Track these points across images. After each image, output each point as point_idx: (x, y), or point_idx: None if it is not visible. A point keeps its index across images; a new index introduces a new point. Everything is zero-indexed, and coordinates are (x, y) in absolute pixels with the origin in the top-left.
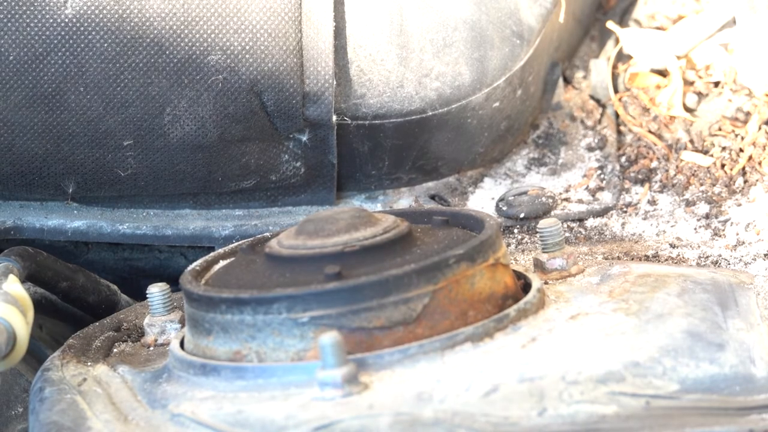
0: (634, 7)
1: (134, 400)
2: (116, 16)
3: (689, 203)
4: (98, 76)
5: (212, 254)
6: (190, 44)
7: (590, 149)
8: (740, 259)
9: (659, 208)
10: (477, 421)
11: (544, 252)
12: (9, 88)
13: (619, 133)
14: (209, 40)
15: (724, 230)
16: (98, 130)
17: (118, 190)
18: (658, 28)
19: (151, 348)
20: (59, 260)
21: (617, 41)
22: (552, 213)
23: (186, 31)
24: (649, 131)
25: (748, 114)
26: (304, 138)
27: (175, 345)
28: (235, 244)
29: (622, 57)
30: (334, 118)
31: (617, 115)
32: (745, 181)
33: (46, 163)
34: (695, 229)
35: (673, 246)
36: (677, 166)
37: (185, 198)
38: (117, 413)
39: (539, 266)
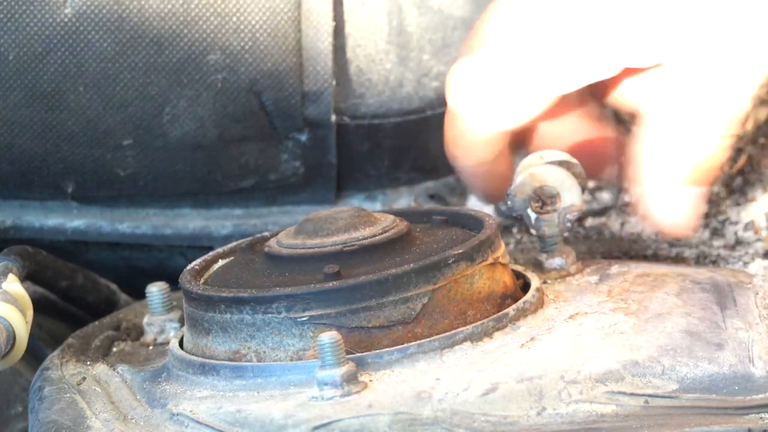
0: None
1: (133, 399)
2: (116, 15)
3: None
4: (97, 75)
5: (211, 253)
6: (189, 44)
7: None
8: (739, 259)
9: None
10: (476, 420)
11: (542, 251)
12: (8, 88)
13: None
14: (208, 39)
15: (722, 229)
16: (97, 129)
17: (118, 190)
18: None
19: (151, 347)
20: (59, 259)
21: None
22: None
23: (185, 31)
24: None
25: (746, 113)
26: (304, 137)
27: (174, 344)
28: (234, 243)
29: None
30: (334, 117)
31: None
32: (744, 181)
33: (45, 162)
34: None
35: (672, 245)
36: None
37: (184, 197)
38: (116, 412)
39: (538, 266)
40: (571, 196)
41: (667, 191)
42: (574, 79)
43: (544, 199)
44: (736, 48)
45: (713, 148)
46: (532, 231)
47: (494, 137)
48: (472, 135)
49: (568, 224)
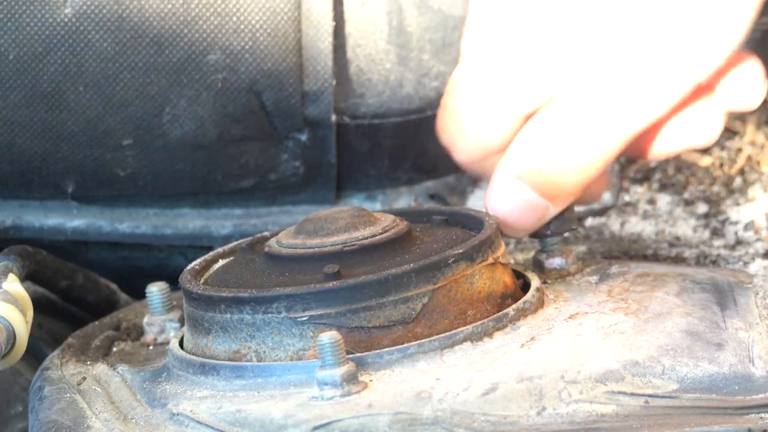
0: None
1: (133, 399)
2: (116, 15)
3: (688, 202)
4: (98, 75)
5: (211, 253)
6: (189, 43)
7: None
8: (739, 259)
9: (658, 208)
10: (476, 420)
11: (542, 251)
12: (8, 88)
13: None
14: (209, 39)
15: (722, 229)
16: (97, 129)
17: (118, 190)
18: None
19: (151, 347)
20: (59, 259)
21: None
22: None
23: (185, 31)
24: None
25: (746, 114)
26: (304, 137)
27: (174, 344)
28: (234, 243)
29: None
30: (334, 117)
31: None
32: (744, 181)
33: (45, 162)
34: (694, 228)
35: (672, 245)
36: (676, 166)
37: (184, 197)
38: (116, 412)
39: (538, 266)
40: None
41: (509, 183)
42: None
43: None
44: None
45: (570, 172)
46: (548, 232)
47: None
48: (477, 122)
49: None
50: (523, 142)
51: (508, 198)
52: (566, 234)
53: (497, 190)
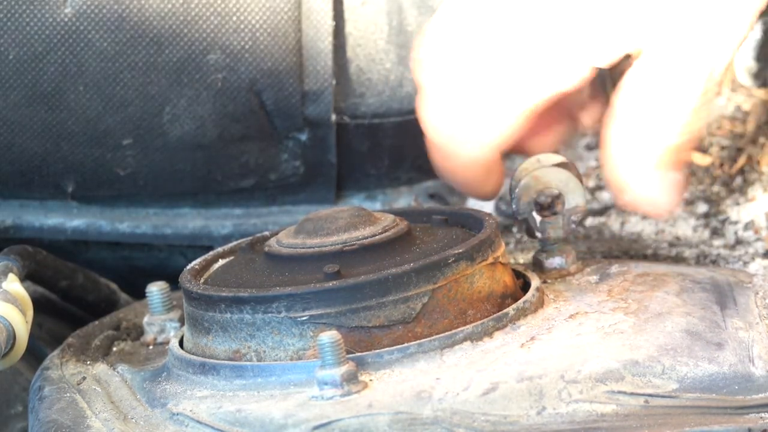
0: None
1: (133, 398)
2: (116, 15)
3: (688, 202)
4: (97, 75)
5: (211, 253)
6: (189, 43)
7: (589, 148)
8: (739, 258)
9: None
10: (476, 420)
11: (542, 251)
12: (8, 87)
13: None
14: (209, 39)
15: (722, 229)
16: (97, 129)
17: (118, 189)
18: None
19: (151, 347)
20: (59, 259)
21: None
22: None
23: (185, 30)
24: None
25: (746, 113)
26: (304, 137)
27: (174, 344)
28: (234, 243)
29: None
30: (334, 117)
31: None
32: (744, 180)
33: (45, 162)
34: (694, 228)
35: (672, 245)
36: None
37: (184, 197)
38: (116, 412)
39: (538, 265)
40: (575, 197)
41: (639, 175)
42: (537, 90)
43: (544, 201)
44: (696, 35)
45: (677, 135)
46: (537, 234)
47: (482, 156)
48: (458, 158)
49: (573, 225)
50: (637, 133)
51: (663, 189)
52: (566, 234)
53: (645, 188)
